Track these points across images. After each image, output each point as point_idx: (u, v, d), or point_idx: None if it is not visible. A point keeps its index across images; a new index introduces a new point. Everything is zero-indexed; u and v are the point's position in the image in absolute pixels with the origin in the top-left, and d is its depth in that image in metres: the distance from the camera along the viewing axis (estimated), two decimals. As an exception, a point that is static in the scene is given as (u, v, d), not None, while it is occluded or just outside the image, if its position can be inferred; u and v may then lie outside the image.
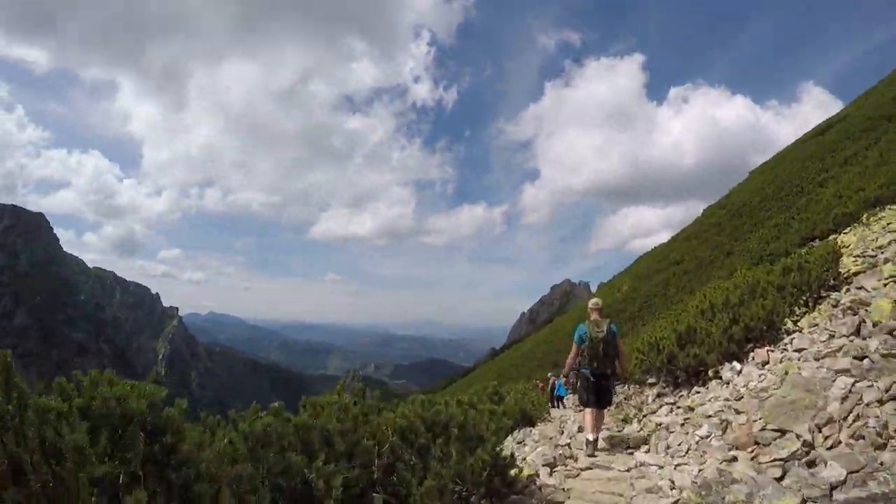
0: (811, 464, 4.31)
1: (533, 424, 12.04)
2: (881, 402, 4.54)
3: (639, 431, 8.04)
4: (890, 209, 14.04)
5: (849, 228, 15.14)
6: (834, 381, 5.30)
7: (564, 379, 8.00)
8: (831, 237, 14.84)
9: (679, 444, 6.42)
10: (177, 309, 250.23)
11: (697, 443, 6.28)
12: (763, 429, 5.53)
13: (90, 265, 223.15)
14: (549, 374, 23.54)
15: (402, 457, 4.23)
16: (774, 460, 4.52)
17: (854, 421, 4.46)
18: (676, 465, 5.61)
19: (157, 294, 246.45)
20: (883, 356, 5.16)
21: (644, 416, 9.03)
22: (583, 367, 7.31)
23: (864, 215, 15.19)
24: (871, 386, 4.85)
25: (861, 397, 4.70)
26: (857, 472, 3.79)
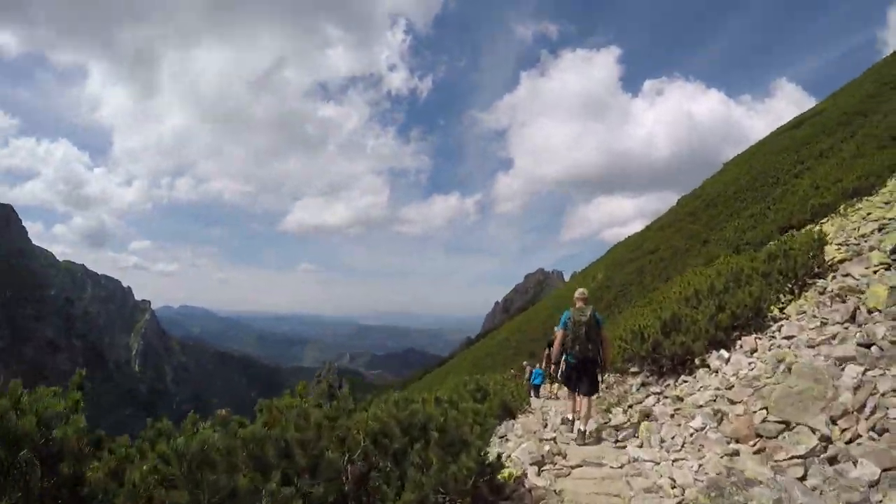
0: (832, 460, 3.96)
1: (514, 416, 11.66)
2: (898, 392, 4.23)
3: (626, 423, 7.69)
4: (868, 200, 14.01)
5: (826, 219, 15.08)
6: (842, 369, 4.98)
7: (554, 366, 7.94)
8: (808, 227, 14.74)
9: (673, 438, 6.06)
10: (149, 302, 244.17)
11: (692, 435, 5.93)
12: (764, 420, 5.19)
13: (59, 258, 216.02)
14: (525, 362, 23.23)
15: (376, 464, 3.73)
16: (792, 457, 4.16)
17: (872, 413, 4.13)
18: (674, 461, 5.26)
19: (128, 287, 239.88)
20: (893, 343, 4.86)
21: (629, 406, 8.69)
22: (567, 351, 7.36)
23: (842, 206, 15.14)
24: (884, 374, 4.55)
25: (875, 386, 4.38)
26: (892, 469, 3.44)
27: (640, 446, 6.28)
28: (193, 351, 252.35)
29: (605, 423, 8.11)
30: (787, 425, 4.84)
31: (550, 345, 15.76)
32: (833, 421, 4.31)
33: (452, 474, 3.67)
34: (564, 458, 6.08)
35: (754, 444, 5.01)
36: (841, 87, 41.94)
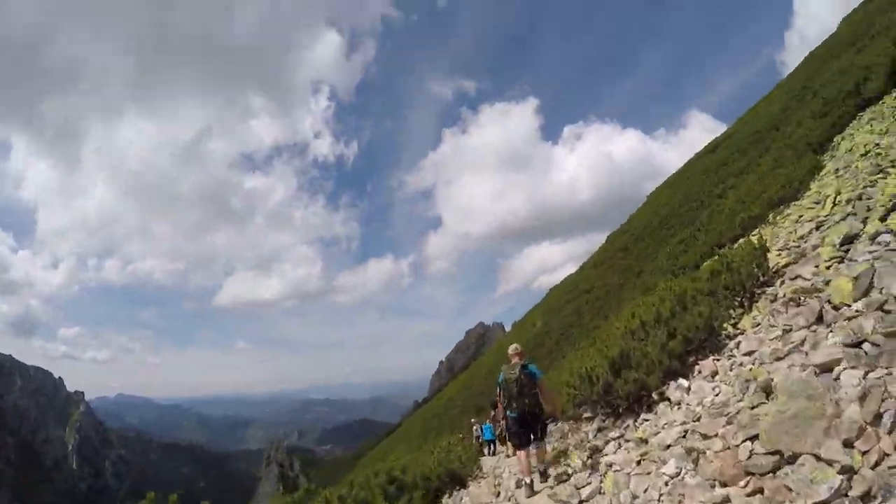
0: (867, 498, 2.98)
1: (464, 484, 10.44)
2: (916, 390, 3.34)
3: (587, 478, 6.59)
4: (796, 205, 13.96)
5: (757, 230, 14.97)
6: (837, 378, 4.09)
7: (501, 424, 8.05)
8: (743, 240, 14.53)
9: (646, 490, 4.99)
10: (83, 393, 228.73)
11: (668, 484, 4.88)
12: (752, 454, 4.22)
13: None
14: (472, 419, 22.49)
15: None
16: (815, 504, 3.16)
17: (894, 423, 3.21)
18: (654, 523, 4.18)
19: (59, 378, 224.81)
20: (888, 335, 4.02)
21: (589, 456, 7.61)
22: (508, 409, 7.49)
23: (771, 215, 15.12)
24: (891, 374, 3.67)
25: (886, 390, 3.47)
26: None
27: (610, 508, 5.18)
28: (134, 443, 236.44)
29: (564, 480, 7.01)
30: (782, 456, 3.89)
31: (494, 406, 15.42)
32: (848, 444, 3.37)
33: None
34: (522, 536, 4.90)
35: (746, 485, 4.02)
36: (749, 108, 43.81)
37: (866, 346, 4.15)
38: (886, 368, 3.77)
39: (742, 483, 4.07)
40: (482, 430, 18.35)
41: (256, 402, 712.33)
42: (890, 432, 3.19)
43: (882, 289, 4.91)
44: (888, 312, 4.40)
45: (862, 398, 3.53)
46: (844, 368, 4.13)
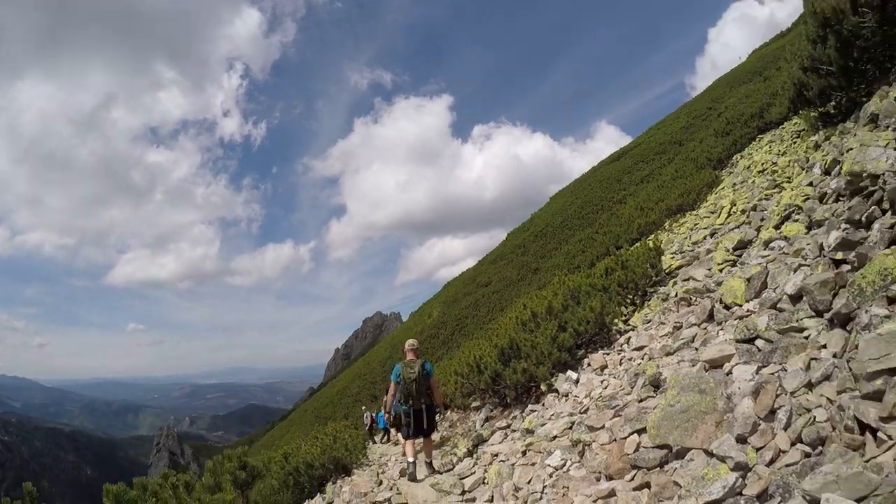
0: (764, 497, 2.77)
1: (348, 472, 10.00)
2: (811, 386, 3.21)
3: (471, 468, 6.31)
4: (691, 214, 14.55)
5: (653, 235, 15.48)
6: (729, 373, 3.96)
7: (386, 414, 8.87)
8: (637, 244, 14.95)
9: (529, 482, 4.73)
10: None
11: (552, 476, 4.65)
12: (639, 447, 4.04)
13: None
14: (364, 407, 22.39)
15: None
16: (707, 504, 2.92)
17: (789, 420, 3.05)
18: (536, 517, 3.89)
19: None
20: (781, 332, 3.93)
21: (474, 446, 7.37)
22: (400, 404, 7.51)
23: (668, 222, 15.69)
24: (785, 370, 3.55)
25: (780, 386, 3.34)
26: (867, 497, 2.26)
27: (491, 500, 4.87)
28: (17, 429, 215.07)
29: (448, 469, 6.71)
30: (671, 450, 3.71)
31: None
32: (741, 440, 3.19)
33: None
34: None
35: (632, 479, 3.82)
36: (656, 122, 45.51)
37: (759, 342, 4.06)
38: (780, 364, 3.66)
39: (628, 477, 3.88)
40: (376, 418, 18.16)
41: (147, 386, 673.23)
42: (786, 428, 3.03)
43: (776, 288, 4.90)
44: (781, 311, 4.34)
45: (755, 393, 3.38)
46: (736, 364, 4.02)
